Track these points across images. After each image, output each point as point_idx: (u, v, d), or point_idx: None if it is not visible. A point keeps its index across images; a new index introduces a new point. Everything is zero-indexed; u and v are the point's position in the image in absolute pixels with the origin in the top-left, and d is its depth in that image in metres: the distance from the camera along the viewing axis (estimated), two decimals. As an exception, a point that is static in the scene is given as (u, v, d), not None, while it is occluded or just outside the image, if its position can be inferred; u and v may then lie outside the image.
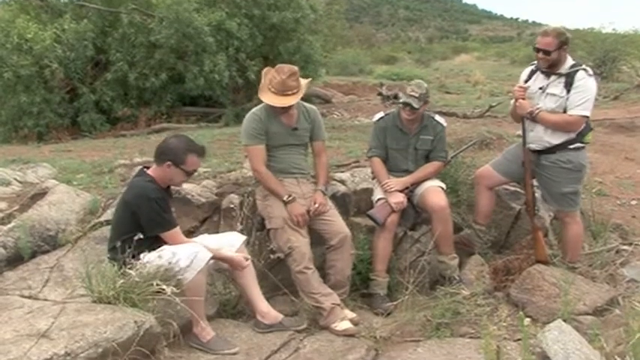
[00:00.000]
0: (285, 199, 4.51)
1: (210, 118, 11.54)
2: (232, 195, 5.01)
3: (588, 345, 3.07)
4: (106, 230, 4.38)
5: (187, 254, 3.78)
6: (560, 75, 4.66)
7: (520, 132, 4.95)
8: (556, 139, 4.71)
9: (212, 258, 3.92)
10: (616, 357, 3.09)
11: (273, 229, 4.57)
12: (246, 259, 4.23)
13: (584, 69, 4.64)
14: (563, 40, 4.61)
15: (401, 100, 5.02)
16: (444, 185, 5.07)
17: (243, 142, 4.71)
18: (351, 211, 5.24)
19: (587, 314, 4.22)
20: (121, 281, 3.61)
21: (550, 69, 4.69)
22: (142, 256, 3.84)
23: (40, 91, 10.35)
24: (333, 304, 4.36)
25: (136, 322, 3.41)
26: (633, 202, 6.29)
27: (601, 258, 5.10)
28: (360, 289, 4.98)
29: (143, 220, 3.87)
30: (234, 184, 5.22)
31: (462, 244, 5.25)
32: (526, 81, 4.87)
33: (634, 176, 7.06)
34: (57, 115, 10.58)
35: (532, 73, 4.87)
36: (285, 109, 4.58)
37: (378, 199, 4.94)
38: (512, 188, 5.55)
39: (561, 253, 5.04)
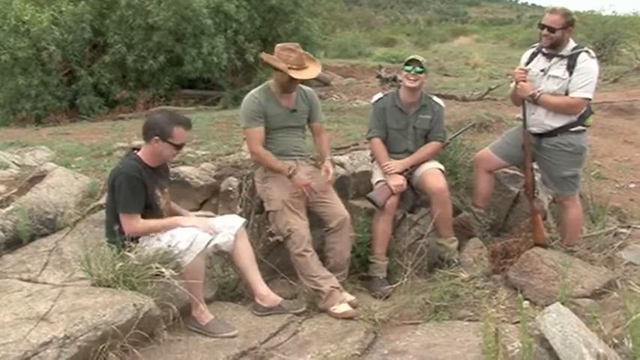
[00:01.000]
0: (288, 173, 4.50)
1: (209, 101, 11.50)
2: (231, 178, 5.01)
3: (586, 328, 3.08)
4: (105, 213, 4.37)
5: (187, 237, 3.79)
6: (562, 57, 4.63)
7: (520, 115, 4.93)
8: (557, 122, 4.69)
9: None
10: (614, 339, 3.10)
11: (272, 211, 4.56)
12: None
13: (587, 51, 4.61)
14: (570, 20, 4.58)
15: (407, 59, 4.95)
16: (443, 167, 5.07)
17: (242, 125, 4.70)
18: (350, 193, 5.24)
19: (586, 297, 4.22)
20: (120, 264, 3.62)
21: (552, 49, 4.66)
22: (140, 239, 3.84)
23: (37, 73, 10.29)
24: (332, 287, 4.36)
25: (135, 305, 3.42)
26: (632, 185, 6.29)
27: (599, 241, 5.10)
28: (359, 272, 4.99)
29: (115, 196, 3.87)
30: (233, 167, 5.21)
31: (461, 226, 5.26)
32: (527, 63, 4.84)
33: (633, 159, 7.06)
34: (55, 97, 10.53)
35: (533, 55, 4.84)
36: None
37: (378, 182, 4.94)
38: (511, 171, 5.54)
39: (560, 236, 5.04)
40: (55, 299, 3.44)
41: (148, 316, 3.47)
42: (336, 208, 4.64)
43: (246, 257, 4.29)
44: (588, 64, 4.56)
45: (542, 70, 4.72)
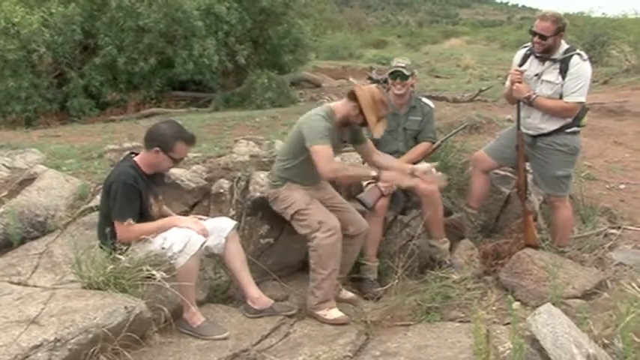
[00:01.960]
0: (374, 173, 4.34)
1: (200, 103, 11.48)
2: (222, 180, 5.00)
3: (577, 328, 3.09)
4: (96, 216, 4.35)
5: (181, 238, 3.78)
6: (554, 61, 4.65)
7: (511, 116, 4.94)
8: (553, 125, 4.71)
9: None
10: (604, 339, 3.11)
11: (298, 211, 4.39)
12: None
13: (579, 54, 4.63)
14: (561, 26, 4.60)
15: (390, 70, 4.99)
16: (434, 169, 5.07)
17: (312, 143, 4.20)
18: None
19: (576, 298, 4.25)
20: (111, 267, 3.60)
21: (544, 54, 4.68)
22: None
23: (27, 75, 10.23)
24: (327, 298, 4.34)
25: (126, 307, 3.41)
26: (622, 186, 6.32)
27: (590, 242, 5.13)
28: (350, 274, 4.99)
29: (110, 202, 3.86)
30: (224, 169, 5.20)
31: (453, 227, 5.26)
32: (520, 64, 4.86)
33: (623, 160, 7.10)
34: (45, 100, 10.47)
35: (526, 56, 4.85)
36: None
37: (368, 183, 4.94)
38: (502, 172, 5.55)
39: (550, 237, 5.07)
40: (45, 302, 3.43)
41: (139, 318, 3.46)
42: (358, 216, 4.61)
43: (238, 259, 4.28)
44: (581, 68, 4.58)
45: (536, 75, 4.74)
